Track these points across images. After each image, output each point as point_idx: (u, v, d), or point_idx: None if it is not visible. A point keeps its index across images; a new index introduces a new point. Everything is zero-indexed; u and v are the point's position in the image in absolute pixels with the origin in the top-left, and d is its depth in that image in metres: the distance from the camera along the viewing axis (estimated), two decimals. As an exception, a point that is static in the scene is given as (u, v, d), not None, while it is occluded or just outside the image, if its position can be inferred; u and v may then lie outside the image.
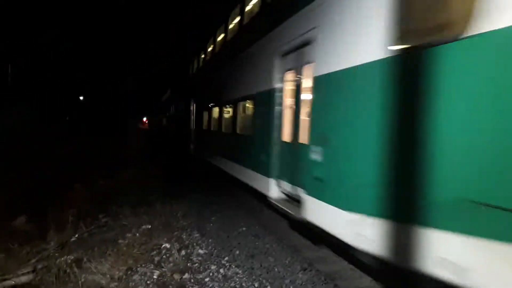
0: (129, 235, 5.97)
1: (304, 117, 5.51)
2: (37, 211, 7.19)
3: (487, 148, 2.58)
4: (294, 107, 5.89)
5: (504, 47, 2.52)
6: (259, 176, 7.11)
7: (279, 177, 6.34)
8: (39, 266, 4.87)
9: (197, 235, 6.19)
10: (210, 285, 4.38)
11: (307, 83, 5.38)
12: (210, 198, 8.94)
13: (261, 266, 4.93)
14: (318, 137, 4.86)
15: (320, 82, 4.80)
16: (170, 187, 10.32)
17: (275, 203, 6.20)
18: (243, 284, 4.40)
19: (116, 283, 4.34)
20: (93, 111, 53.95)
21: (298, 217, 5.26)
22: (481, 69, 2.67)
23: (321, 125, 4.83)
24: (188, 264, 4.93)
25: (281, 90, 6.45)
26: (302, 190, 5.25)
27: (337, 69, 4.36)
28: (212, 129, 12.83)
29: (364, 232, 3.69)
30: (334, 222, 4.32)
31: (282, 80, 6.40)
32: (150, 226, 6.31)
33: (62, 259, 4.91)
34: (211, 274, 4.68)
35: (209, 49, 14.28)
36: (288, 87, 6.22)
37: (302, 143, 5.44)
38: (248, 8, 8.96)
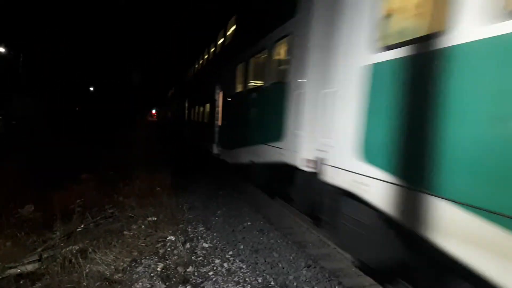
0: (134, 226, 6.00)
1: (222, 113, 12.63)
2: (44, 200, 7.25)
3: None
4: (222, 108, 12.65)
5: None
6: (210, 143, 13.73)
7: (216, 143, 13.08)
8: (45, 255, 4.90)
9: (202, 228, 6.19)
10: (214, 279, 4.37)
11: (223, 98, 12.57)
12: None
13: (265, 261, 4.91)
14: (222, 121, 12.44)
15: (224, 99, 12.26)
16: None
17: (214, 154, 13.14)
18: (247, 279, 4.38)
19: (120, 274, 4.35)
20: (103, 102, 54.30)
21: (220, 158, 12.39)
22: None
23: (223, 117, 12.31)
24: (193, 257, 4.92)
25: (218, 99, 13.03)
26: (221, 145, 12.52)
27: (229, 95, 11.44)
28: (193, 119, 20.30)
29: (228, 155, 11.21)
30: (224, 154, 11.81)
31: (218, 95, 13.05)
32: (155, 218, 6.32)
33: (68, 248, 4.93)
34: (215, 268, 4.66)
35: (195, 66, 22.53)
36: (220, 99, 12.80)
37: (221, 125, 12.63)
38: (211, 51, 16.27)
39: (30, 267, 4.62)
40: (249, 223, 6.57)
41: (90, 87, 58.07)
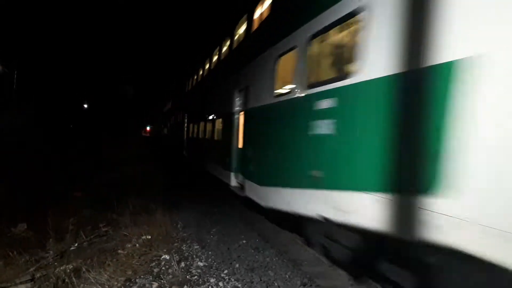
0: (129, 245, 5.95)
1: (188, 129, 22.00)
2: (37, 219, 7.18)
3: None
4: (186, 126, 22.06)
5: None
6: (181, 149, 22.91)
7: (184, 148, 21.75)
8: (38, 275, 4.85)
9: (197, 246, 6.16)
10: (209, 299, 4.34)
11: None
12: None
13: (260, 280, 4.89)
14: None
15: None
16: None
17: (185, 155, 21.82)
18: (242, 298, 4.35)
19: (114, 294, 4.31)
20: (97, 119, 54.21)
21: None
22: None
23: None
24: (187, 277, 4.89)
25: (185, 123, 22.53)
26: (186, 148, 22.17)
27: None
28: (168, 134, 35.64)
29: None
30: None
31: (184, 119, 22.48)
32: (150, 237, 6.28)
33: (61, 268, 4.88)
34: (210, 287, 4.63)
35: (170, 103, 37.55)
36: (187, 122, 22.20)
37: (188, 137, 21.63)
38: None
39: (22, 287, 4.56)
40: (244, 241, 6.54)
41: (84, 104, 58.09)
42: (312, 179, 5.06)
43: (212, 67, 15.00)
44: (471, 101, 2.76)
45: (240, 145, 9.31)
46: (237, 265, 5.37)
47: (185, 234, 6.85)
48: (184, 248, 6.06)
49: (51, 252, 5.62)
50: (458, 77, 2.86)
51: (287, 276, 5.03)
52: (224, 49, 12.46)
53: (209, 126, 13.62)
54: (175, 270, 5.02)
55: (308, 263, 5.60)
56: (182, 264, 5.29)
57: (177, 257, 5.49)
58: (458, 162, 2.81)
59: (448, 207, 2.87)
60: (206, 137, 14.09)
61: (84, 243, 6.18)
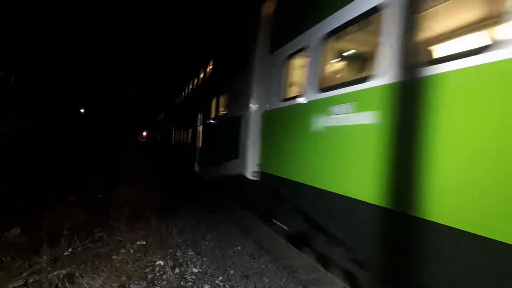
0: (123, 250, 5.91)
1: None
2: (31, 223, 7.11)
3: None
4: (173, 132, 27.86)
5: None
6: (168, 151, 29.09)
7: (171, 150, 27.15)
8: (31, 280, 4.79)
9: (191, 252, 6.13)
10: (203, 305, 4.31)
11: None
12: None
13: (255, 287, 4.87)
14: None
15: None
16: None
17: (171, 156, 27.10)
18: (237, 305, 4.33)
19: (107, 300, 4.28)
20: (93, 123, 54.08)
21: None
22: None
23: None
24: (182, 283, 4.86)
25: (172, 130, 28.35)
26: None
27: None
28: (161, 138, 41.90)
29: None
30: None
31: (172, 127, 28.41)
32: (144, 242, 6.25)
33: (54, 273, 4.84)
34: (204, 293, 4.61)
35: (162, 113, 45.64)
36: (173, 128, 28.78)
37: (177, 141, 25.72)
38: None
39: (14, 293, 4.51)
40: (239, 248, 6.52)
41: (81, 109, 58.00)
42: (216, 158, 10.95)
43: (189, 91, 21.88)
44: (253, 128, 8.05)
45: (200, 145, 15.09)
46: (232, 272, 5.35)
47: (180, 240, 6.82)
48: (178, 254, 6.03)
49: (45, 257, 5.55)
50: (245, 120, 8.38)
51: (282, 283, 5.02)
52: (195, 81, 19.04)
53: (185, 133, 20.22)
54: (170, 276, 4.99)
55: (303, 270, 5.58)
56: (177, 270, 5.27)
57: (171, 263, 5.47)
58: (246, 150, 8.11)
59: (246, 163, 8.06)
60: (184, 141, 20.56)
61: (78, 248, 6.12)
